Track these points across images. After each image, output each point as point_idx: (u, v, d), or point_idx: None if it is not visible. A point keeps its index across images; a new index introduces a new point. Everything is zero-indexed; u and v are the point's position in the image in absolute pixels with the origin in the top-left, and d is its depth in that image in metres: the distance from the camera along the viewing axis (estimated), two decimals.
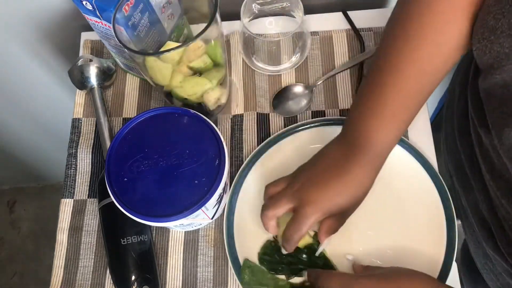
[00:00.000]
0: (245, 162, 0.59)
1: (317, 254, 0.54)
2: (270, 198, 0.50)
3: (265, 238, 0.57)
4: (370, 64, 0.48)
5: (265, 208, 0.50)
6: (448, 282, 0.53)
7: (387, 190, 0.58)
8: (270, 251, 0.56)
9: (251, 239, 0.57)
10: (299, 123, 0.61)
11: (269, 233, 0.50)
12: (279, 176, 0.59)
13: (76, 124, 0.66)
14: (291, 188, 0.49)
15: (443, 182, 0.57)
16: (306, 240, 0.54)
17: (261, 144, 0.60)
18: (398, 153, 0.58)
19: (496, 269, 0.55)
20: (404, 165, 0.58)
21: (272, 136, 0.61)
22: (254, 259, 0.56)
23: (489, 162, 0.46)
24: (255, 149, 0.61)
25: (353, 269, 0.53)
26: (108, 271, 0.58)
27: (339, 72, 0.66)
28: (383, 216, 0.57)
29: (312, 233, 0.54)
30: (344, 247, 0.56)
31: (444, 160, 0.66)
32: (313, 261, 0.54)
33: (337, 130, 0.55)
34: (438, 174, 0.57)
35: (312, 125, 0.61)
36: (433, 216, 0.56)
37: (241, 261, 0.55)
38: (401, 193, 0.58)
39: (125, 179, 0.49)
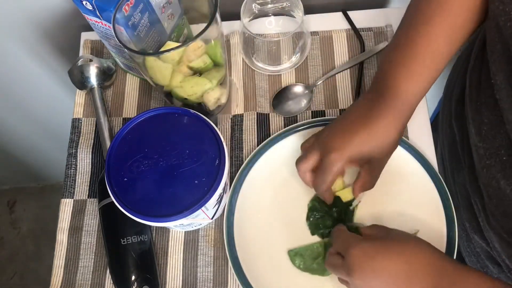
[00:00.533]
0: (245, 162, 0.59)
1: (351, 208, 0.56)
2: (303, 152, 0.52)
3: (265, 238, 0.57)
4: (402, 18, 0.50)
5: (297, 162, 0.51)
6: None
7: (386, 190, 0.58)
8: (318, 202, 0.57)
9: (251, 239, 0.57)
10: (299, 123, 0.61)
11: (308, 186, 0.52)
12: (279, 176, 0.59)
13: (76, 124, 0.66)
14: (318, 139, 0.50)
15: (443, 182, 0.57)
16: (347, 195, 0.55)
17: (261, 144, 0.60)
18: (398, 153, 0.58)
19: (476, 251, 0.57)
20: (404, 165, 0.58)
21: (272, 136, 0.61)
22: (254, 260, 0.56)
23: (479, 123, 0.48)
24: (255, 149, 0.61)
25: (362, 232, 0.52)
26: (108, 271, 0.58)
27: (339, 72, 0.66)
28: (382, 216, 0.57)
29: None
30: None
31: (439, 144, 0.68)
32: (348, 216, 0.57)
33: None
34: (438, 174, 0.57)
35: (312, 125, 0.61)
36: (433, 216, 0.56)
37: (241, 261, 0.55)
38: (401, 193, 0.58)
39: (125, 179, 0.49)
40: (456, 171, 0.61)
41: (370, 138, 0.47)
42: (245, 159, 0.60)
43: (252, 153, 0.60)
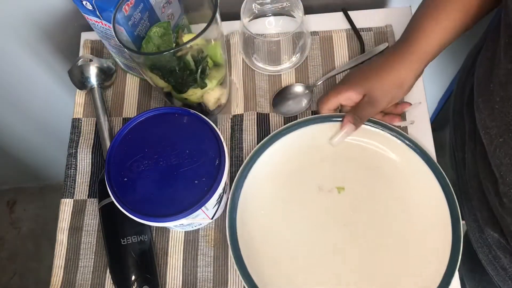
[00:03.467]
0: (246, 159, 0.59)
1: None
2: None
3: (268, 235, 0.57)
4: None
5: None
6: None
7: (389, 188, 0.58)
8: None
9: (254, 236, 0.57)
10: (300, 119, 0.61)
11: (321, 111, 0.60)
12: (282, 173, 0.59)
13: (76, 124, 0.66)
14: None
15: (448, 181, 0.57)
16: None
17: (263, 141, 0.60)
18: (401, 150, 0.59)
19: (487, 242, 0.57)
20: (407, 163, 0.58)
21: (273, 133, 0.60)
22: (257, 257, 0.56)
23: (493, 103, 0.49)
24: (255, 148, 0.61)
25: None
26: (108, 271, 0.58)
27: (340, 73, 0.66)
28: (385, 215, 0.57)
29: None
30: (345, 244, 0.56)
31: (449, 140, 0.70)
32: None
33: (337, 126, 0.59)
34: (443, 172, 0.57)
35: (313, 121, 0.60)
36: (438, 216, 0.56)
37: (244, 259, 0.55)
38: (405, 192, 0.58)
39: (125, 179, 0.49)
40: (468, 162, 0.61)
41: (381, 78, 0.55)
42: (245, 159, 0.60)
43: (253, 150, 0.60)
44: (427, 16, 0.54)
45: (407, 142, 0.59)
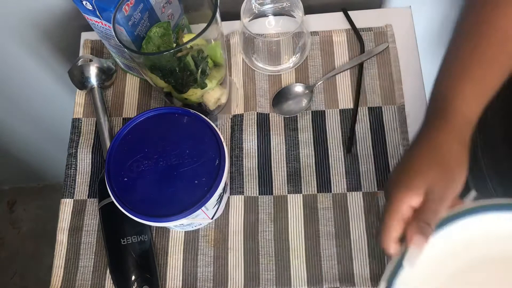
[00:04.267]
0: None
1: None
2: None
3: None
4: (453, 29, 0.47)
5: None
6: None
7: None
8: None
9: None
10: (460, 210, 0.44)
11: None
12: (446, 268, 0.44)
13: (76, 124, 0.66)
14: (387, 185, 0.46)
15: None
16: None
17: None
18: None
19: None
20: None
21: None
22: None
23: None
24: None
25: None
26: (108, 271, 0.58)
27: (339, 73, 0.66)
28: None
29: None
30: None
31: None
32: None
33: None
34: None
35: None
36: None
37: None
38: None
39: (125, 179, 0.49)
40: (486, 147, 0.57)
41: (432, 161, 0.43)
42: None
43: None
44: (462, 70, 0.45)
45: None
